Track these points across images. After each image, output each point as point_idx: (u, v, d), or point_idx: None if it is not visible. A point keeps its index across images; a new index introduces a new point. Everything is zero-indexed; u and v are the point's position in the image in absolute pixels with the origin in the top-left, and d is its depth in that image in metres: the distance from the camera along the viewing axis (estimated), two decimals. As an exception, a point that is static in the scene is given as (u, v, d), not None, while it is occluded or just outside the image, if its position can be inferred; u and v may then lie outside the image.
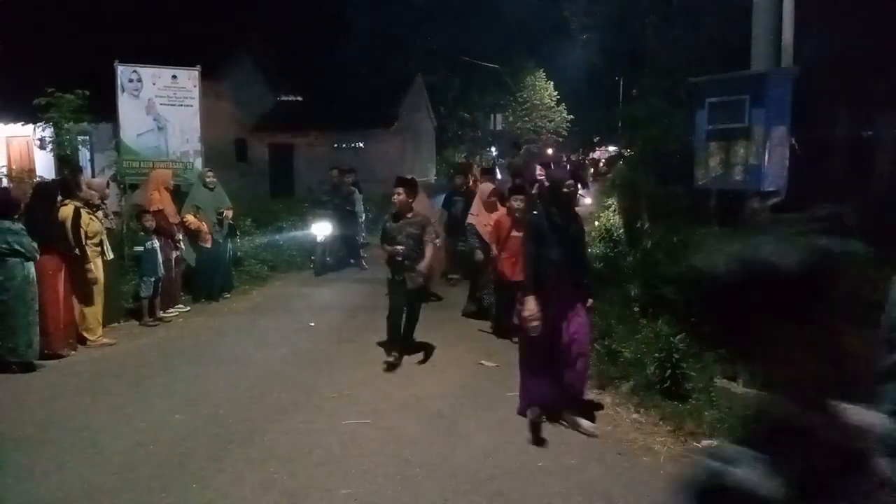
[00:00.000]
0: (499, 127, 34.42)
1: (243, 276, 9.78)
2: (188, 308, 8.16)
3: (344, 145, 22.86)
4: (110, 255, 6.86)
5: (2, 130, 15.37)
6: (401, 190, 5.82)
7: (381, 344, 6.53)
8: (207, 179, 8.61)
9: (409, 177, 7.94)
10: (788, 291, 1.12)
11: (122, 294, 7.73)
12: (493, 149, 33.86)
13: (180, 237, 8.04)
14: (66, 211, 6.28)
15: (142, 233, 7.48)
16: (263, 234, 11.67)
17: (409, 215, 5.84)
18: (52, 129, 9.85)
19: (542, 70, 35.91)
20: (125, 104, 9.34)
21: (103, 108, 9.83)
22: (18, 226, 5.73)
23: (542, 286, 4.26)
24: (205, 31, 18.29)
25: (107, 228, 6.89)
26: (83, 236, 6.32)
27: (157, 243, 7.46)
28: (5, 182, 11.15)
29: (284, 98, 24.90)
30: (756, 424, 1.32)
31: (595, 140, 31.85)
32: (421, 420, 4.72)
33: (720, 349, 5.34)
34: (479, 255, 7.14)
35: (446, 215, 8.94)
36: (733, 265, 1.17)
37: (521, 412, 4.66)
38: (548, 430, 4.55)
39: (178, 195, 8.45)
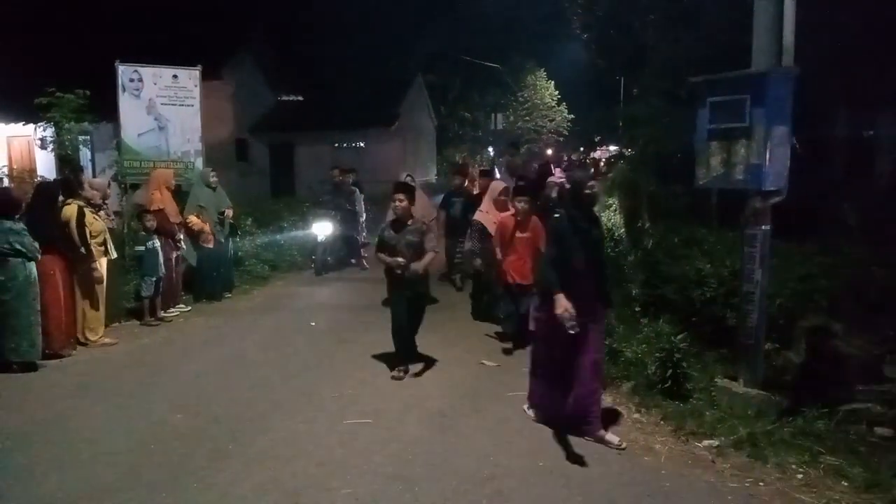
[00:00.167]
0: (499, 126, 34.43)
1: (244, 276, 9.79)
2: (189, 308, 8.17)
3: (344, 145, 22.90)
4: (114, 255, 6.87)
5: (3, 130, 15.39)
6: (402, 196, 5.51)
7: (382, 344, 6.54)
8: (211, 179, 8.62)
9: (406, 178, 7.77)
10: None
11: (124, 294, 7.74)
12: (490, 149, 33.81)
13: (181, 237, 8.04)
14: (70, 210, 6.28)
15: (143, 232, 7.48)
16: (264, 234, 11.68)
17: (410, 223, 5.57)
18: (53, 129, 9.86)
19: (542, 69, 35.92)
20: (126, 104, 9.35)
21: (104, 107, 9.84)
22: (20, 226, 5.73)
23: (567, 289, 4.13)
24: (206, 31, 18.32)
25: (109, 228, 6.89)
26: (88, 235, 6.33)
27: (157, 243, 7.46)
28: (6, 182, 11.16)
29: (285, 98, 24.94)
30: None
31: (596, 139, 31.83)
32: (422, 420, 4.72)
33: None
34: (478, 262, 7.00)
35: (444, 216, 8.93)
36: None
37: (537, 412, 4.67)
38: (548, 430, 4.56)
39: (179, 195, 8.45)
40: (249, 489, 3.70)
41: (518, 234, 6.19)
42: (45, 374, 5.75)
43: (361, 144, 23.17)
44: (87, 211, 6.41)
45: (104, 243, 6.62)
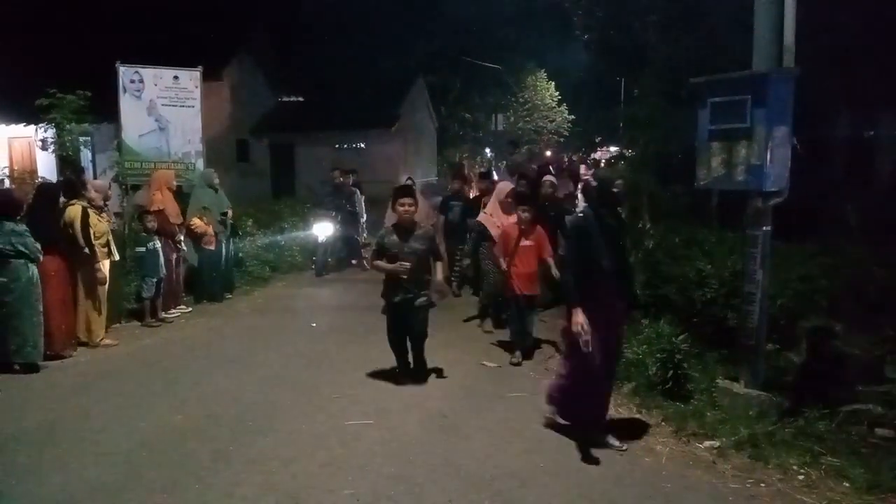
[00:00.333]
0: (500, 127, 34.39)
1: (245, 277, 9.79)
2: (190, 309, 8.18)
3: (345, 146, 22.89)
4: (116, 257, 6.88)
5: (4, 131, 15.42)
6: (409, 201, 5.16)
7: (383, 344, 6.54)
8: (215, 181, 8.64)
9: (407, 181, 7.59)
10: None
11: (125, 295, 7.75)
12: (487, 150, 33.73)
13: (181, 238, 8.05)
14: (75, 211, 6.29)
15: (143, 233, 7.49)
16: (265, 235, 11.69)
17: (417, 230, 5.23)
18: (54, 130, 9.87)
19: (543, 70, 35.90)
20: (127, 105, 9.36)
21: (105, 108, 9.86)
22: (22, 227, 5.74)
23: (590, 295, 4.03)
24: (206, 32, 18.33)
25: (111, 229, 6.90)
26: (92, 236, 6.34)
27: (158, 244, 7.46)
28: (7, 183, 11.17)
29: (286, 98, 24.95)
30: None
31: (596, 140, 31.82)
32: (423, 421, 4.72)
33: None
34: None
35: (443, 220, 8.91)
36: None
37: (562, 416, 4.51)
38: (549, 431, 4.56)
39: (180, 196, 8.45)
40: (251, 490, 3.70)
41: (522, 243, 6.05)
42: (46, 374, 5.76)
43: (362, 145, 23.17)
44: (90, 212, 6.42)
45: (107, 244, 6.64)
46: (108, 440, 4.35)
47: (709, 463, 4.05)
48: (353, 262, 11.18)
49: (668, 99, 10.44)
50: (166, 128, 9.55)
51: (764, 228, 4.64)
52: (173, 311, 7.89)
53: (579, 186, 14.83)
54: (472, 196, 9.67)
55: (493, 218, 6.89)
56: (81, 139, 10.68)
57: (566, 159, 27.17)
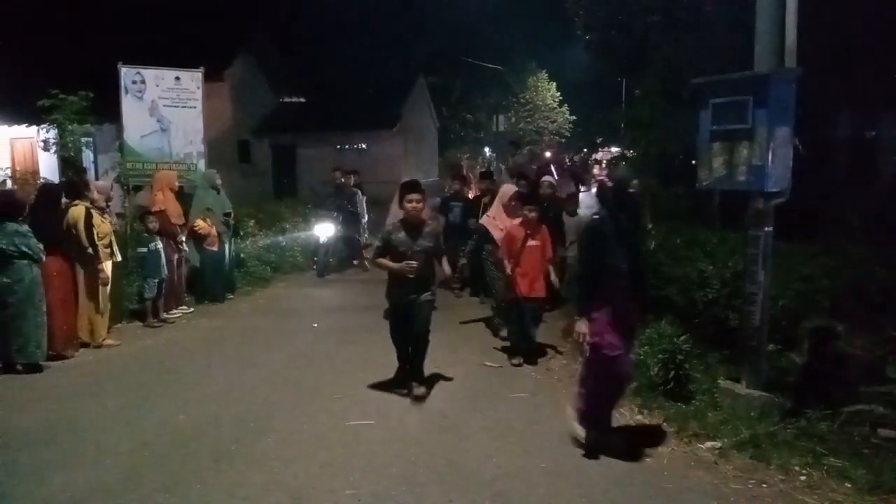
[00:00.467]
0: (501, 128, 34.43)
1: (246, 278, 9.81)
2: (192, 309, 8.18)
3: (346, 146, 22.91)
4: (119, 257, 6.89)
5: (6, 132, 15.42)
6: (416, 198, 4.96)
7: (384, 344, 6.54)
8: (218, 181, 8.65)
9: (418, 180, 7.50)
10: None
11: (126, 295, 7.75)
12: (487, 149, 33.70)
13: (183, 238, 8.06)
14: (78, 212, 6.30)
15: (145, 234, 7.50)
16: (266, 236, 11.70)
17: (426, 227, 5.06)
18: (56, 131, 9.89)
19: (544, 71, 35.92)
20: (128, 106, 9.36)
21: (107, 109, 9.86)
22: (25, 227, 5.75)
23: (603, 299, 3.96)
24: (208, 33, 18.35)
25: (113, 230, 6.91)
26: (95, 237, 6.35)
27: (160, 244, 7.47)
28: (10, 184, 11.18)
29: (287, 99, 24.97)
30: None
31: (598, 141, 31.84)
32: (424, 421, 4.72)
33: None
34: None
35: (443, 221, 8.89)
36: None
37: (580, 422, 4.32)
38: (550, 431, 4.56)
39: (182, 196, 8.46)
40: (252, 490, 3.71)
41: (529, 243, 5.93)
42: (48, 375, 5.77)
43: (363, 146, 23.18)
44: (93, 212, 6.43)
45: (110, 245, 6.65)
46: (110, 440, 4.36)
47: (710, 463, 4.04)
48: (355, 262, 11.20)
49: (670, 99, 10.45)
50: (168, 128, 9.55)
51: (765, 229, 4.64)
52: (175, 311, 7.89)
53: (580, 187, 14.84)
54: (471, 196, 9.66)
55: (497, 221, 6.74)
56: (83, 140, 10.68)
57: (567, 160, 27.16)
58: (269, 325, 7.63)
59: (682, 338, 5.13)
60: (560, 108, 36.42)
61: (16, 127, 14.84)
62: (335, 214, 10.67)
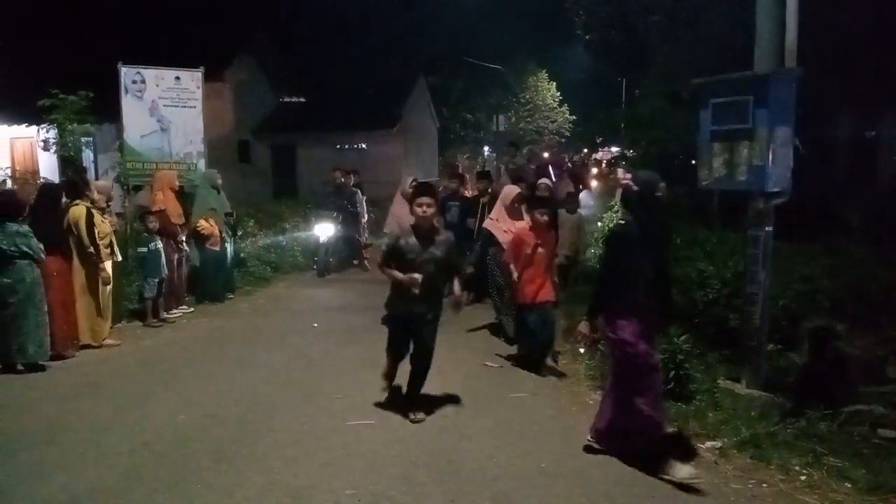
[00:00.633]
0: (502, 128, 34.42)
1: (246, 277, 9.81)
2: (192, 309, 8.18)
3: (346, 146, 22.91)
4: (119, 257, 6.89)
5: (6, 132, 15.42)
6: (428, 202, 4.44)
7: (384, 345, 6.54)
8: (218, 181, 8.65)
9: (412, 183, 6.73)
10: None
11: (127, 295, 7.76)
12: (486, 149, 33.66)
13: (183, 238, 8.06)
14: (79, 211, 6.30)
15: (145, 234, 7.50)
16: (266, 235, 11.71)
17: (438, 235, 4.59)
18: (56, 131, 9.90)
19: (544, 71, 35.94)
20: (128, 105, 9.37)
21: (107, 109, 9.88)
22: (25, 228, 5.75)
23: (626, 307, 3.82)
24: (208, 33, 18.35)
25: (113, 230, 6.91)
26: (96, 236, 6.35)
27: (160, 244, 7.47)
28: (9, 183, 11.19)
29: (287, 99, 24.97)
30: None
31: (598, 141, 31.86)
32: (424, 421, 4.71)
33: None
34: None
35: (442, 223, 8.82)
36: None
37: (597, 439, 4.18)
38: (550, 431, 4.56)
39: (182, 196, 8.47)
40: (252, 490, 3.71)
41: (539, 249, 5.64)
42: (49, 375, 5.76)
43: (363, 146, 23.19)
44: (94, 212, 6.43)
45: (110, 245, 6.65)
46: (110, 440, 4.35)
47: (710, 463, 4.04)
48: (355, 262, 11.20)
49: (670, 99, 10.45)
50: (168, 128, 9.55)
51: (766, 229, 4.64)
52: (175, 311, 7.89)
53: (580, 187, 14.82)
54: (468, 195, 9.55)
55: (500, 223, 6.49)
56: (83, 140, 10.70)
57: (567, 160, 27.15)
58: (269, 324, 7.63)
59: (683, 338, 5.13)
60: (560, 107, 36.45)
61: (16, 127, 14.84)
62: (335, 214, 10.68)
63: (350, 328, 7.38)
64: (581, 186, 15.83)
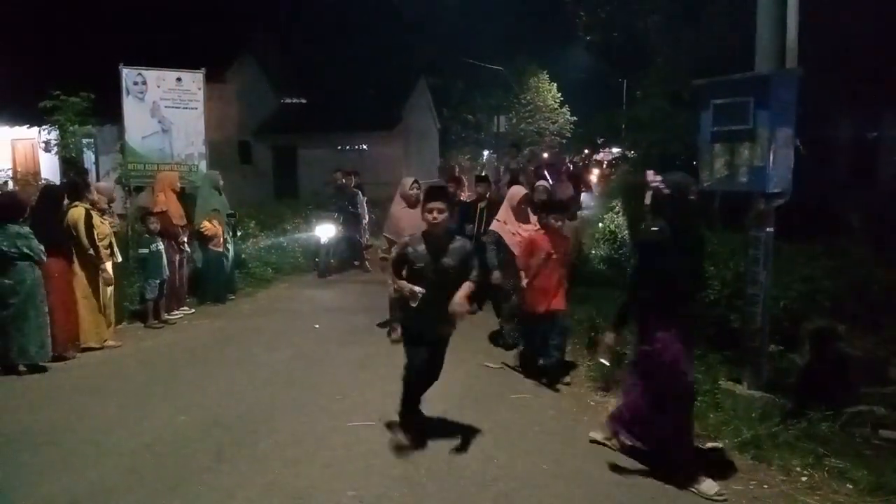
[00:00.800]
0: (502, 129, 34.41)
1: (248, 279, 9.82)
2: (193, 310, 8.19)
3: (347, 147, 22.90)
4: (119, 258, 6.89)
5: (7, 133, 15.47)
6: (439, 206, 4.01)
7: (385, 346, 6.55)
8: (220, 182, 8.67)
9: (413, 187, 6.46)
10: None
11: (128, 296, 7.76)
12: (486, 152, 33.60)
13: (184, 239, 8.07)
14: (78, 213, 6.31)
15: (146, 235, 7.51)
16: (268, 237, 11.71)
17: (453, 243, 4.13)
18: (58, 132, 9.91)
19: (545, 72, 35.93)
20: (130, 107, 9.37)
21: (108, 110, 9.88)
22: (26, 229, 5.76)
23: (664, 320, 3.64)
24: (209, 34, 18.35)
25: (113, 231, 6.91)
26: (95, 238, 6.36)
27: (161, 245, 7.48)
28: (11, 185, 11.21)
29: (288, 100, 24.97)
30: None
31: (599, 142, 31.86)
32: (425, 422, 4.71)
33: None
34: (497, 275, 5.93)
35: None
36: None
37: (614, 433, 4.13)
38: (551, 432, 4.56)
39: (184, 197, 8.48)
40: (253, 491, 3.71)
41: (553, 257, 5.40)
42: (50, 376, 5.77)
43: (364, 147, 23.17)
44: (93, 213, 6.44)
45: (110, 246, 6.65)
46: (112, 441, 4.36)
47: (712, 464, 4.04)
48: (356, 263, 11.21)
49: (671, 100, 10.44)
50: (169, 129, 9.56)
51: (767, 230, 4.64)
52: (176, 312, 7.90)
53: (581, 189, 14.80)
54: (464, 198, 9.46)
55: (508, 226, 6.23)
56: (84, 141, 10.72)
57: (568, 161, 27.13)
58: (270, 325, 7.63)
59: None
60: (561, 108, 36.42)
61: (17, 128, 14.88)
62: (336, 215, 10.70)
63: (351, 329, 7.38)
64: (582, 188, 15.82)
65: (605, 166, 30.17)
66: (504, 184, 10.14)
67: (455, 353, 6.25)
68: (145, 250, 7.39)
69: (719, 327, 5.63)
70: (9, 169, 13.43)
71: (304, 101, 25.25)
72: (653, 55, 12.36)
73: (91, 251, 6.32)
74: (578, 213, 8.52)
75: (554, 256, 5.39)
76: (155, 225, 7.49)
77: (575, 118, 35.83)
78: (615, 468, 4.01)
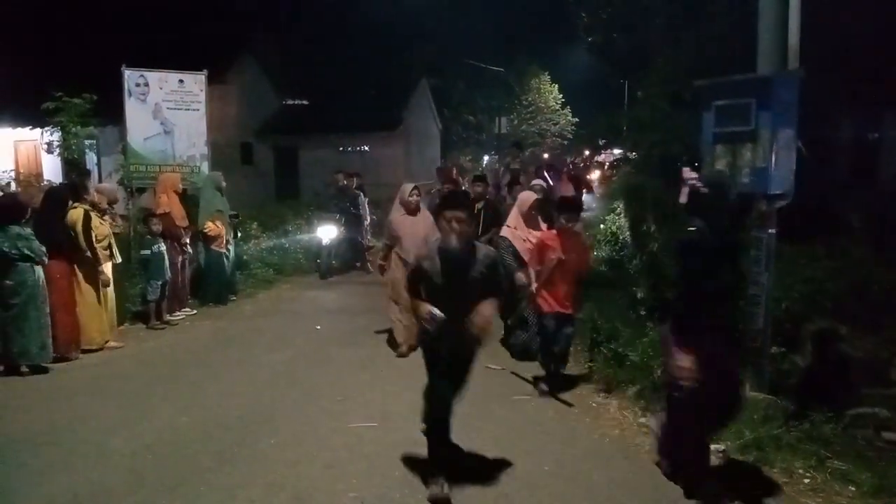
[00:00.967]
0: (504, 130, 34.46)
1: (249, 280, 9.83)
2: (195, 311, 8.20)
3: (349, 148, 22.90)
4: (118, 259, 6.90)
5: (9, 134, 15.47)
6: (460, 216, 3.52)
7: (386, 347, 6.55)
8: (223, 183, 8.68)
9: (413, 193, 6.26)
10: None
11: (130, 297, 7.77)
12: (486, 157, 33.57)
13: (187, 240, 8.08)
14: (77, 214, 6.31)
15: (149, 236, 7.51)
16: (269, 238, 11.72)
17: (475, 255, 3.61)
18: (60, 133, 9.92)
19: (546, 73, 35.97)
20: (132, 108, 9.38)
21: (110, 112, 9.89)
22: (28, 230, 5.77)
23: (694, 325, 3.42)
24: (211, 35, 18.37)
25: (115, 232, 6.92)
26: (94, 239, 6.36)
27: (163, 247, 7.49)
28: (13, 186, 11.22)
29: (290, 102, 24.98)
30: None
31: (600, 143, 31.84)
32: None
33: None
34: (521, 277, 5.48)
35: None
36: None
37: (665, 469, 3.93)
38: (552, 433, 4.55)
39: (186, 198, 8.49)
40: (255, 491, 3.71)
41: (565, 257, 5.20)
42: (51, 377, 5.78)
43: (366, 148, 23.18)
44: (92, 215, 6.45)
45: (109, 247, 6.66)
46: (113, 442, 4.36)
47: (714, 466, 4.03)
48: (357, 264, 11.21)
49: (673, 101, 10.45)
50: (171, 131, 9.57)
51: (768, 231, 4.64)
52: (178, 313, 7.91)
53: (583, 190, 14.79)
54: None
55: (518, 231, 6.09)
56: (87, 142, 10.73)
57: (569, 162, 27.13)
58: (271, 326, 7.64)
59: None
60: (562, 109, 36.46)
61: (19, 129, 14.90)
62: (338, 216, 10.71)
63: (352, 330, 7.38)
64: (583, 189, 15.81)
65: (606, 167, 30.18)
66: (505, 184, 10.13)
67: (456, 354, 6.29)
68: (147, 252, 7.40)
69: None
70: (11, 170, 13.43)
71: (305, 101, 25.27)
72: (654, 56, 12.36)
73: (88, 253, 6.31)
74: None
75: (565, 257, 5.18)
76: (157, 226, 7.50)
77: (576, 119, 35.86)
78: (617, 469, 4.00)
